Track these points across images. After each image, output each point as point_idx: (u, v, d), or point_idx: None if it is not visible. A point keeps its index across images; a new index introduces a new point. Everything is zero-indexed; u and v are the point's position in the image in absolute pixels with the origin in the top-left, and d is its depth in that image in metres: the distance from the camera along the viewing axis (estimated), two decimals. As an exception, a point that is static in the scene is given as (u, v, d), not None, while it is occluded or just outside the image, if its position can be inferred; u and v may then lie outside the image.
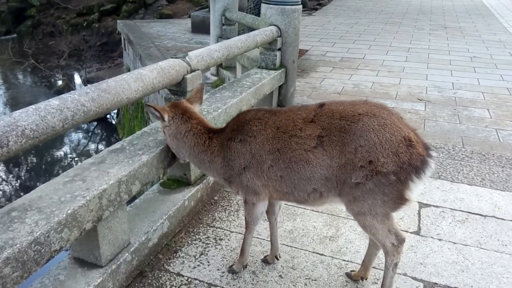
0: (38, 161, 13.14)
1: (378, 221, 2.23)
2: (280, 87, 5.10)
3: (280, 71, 4.86)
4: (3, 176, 11.67)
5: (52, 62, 18.23)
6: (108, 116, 14.84)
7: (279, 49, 4.89)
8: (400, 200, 2.16)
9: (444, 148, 4.64)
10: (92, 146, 14.94)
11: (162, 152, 2.73)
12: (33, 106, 1.91)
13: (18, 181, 11.61)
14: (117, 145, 2.72)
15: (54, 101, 2.00)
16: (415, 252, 2.96)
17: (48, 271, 2.32)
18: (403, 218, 3.32)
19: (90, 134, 15.58)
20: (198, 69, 3.10)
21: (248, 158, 2.37)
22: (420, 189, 2.16)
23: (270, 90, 4.65)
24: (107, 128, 15.47)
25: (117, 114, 14.06)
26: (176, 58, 2.98)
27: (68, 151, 14.61)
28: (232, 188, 2.56)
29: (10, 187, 11.22)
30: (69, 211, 1.99)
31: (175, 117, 2.53)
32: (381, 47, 9.62)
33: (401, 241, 2.29)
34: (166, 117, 2.51)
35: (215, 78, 7.24)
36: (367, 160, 2.11)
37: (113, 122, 15.10)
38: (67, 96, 2.08)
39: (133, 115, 11.22)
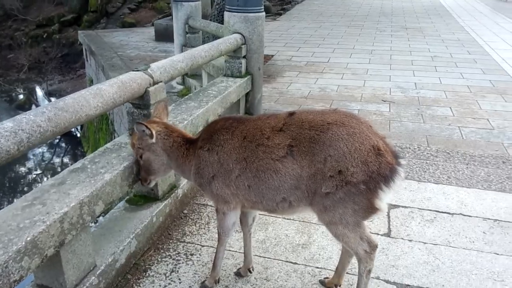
0: (0, 178, 12.63)
1: (350, 229, 2.22)
2: (247, 94, 5.07)
3: (246, 78, 4.83)
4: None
5: (12, 75, 17.64)
6: (72, 129, 14.46)
7: (244, 57, 4.87)
8: (370, 209, 2.16)
9: (409, 148, 4.73)
10: (56, 160, 14.50)
11: (126, 169, 2.65)
12: (-17, 130, 1.80)
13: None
14: (77, 164, 2.62)
15: (8, 124, 1.90)
16: (387, 255, 2.98)
17: (9, 302, 2.19)
18: (373, 220, 3.35)
19: (54, 148, 15.13)
20: (161, 81, 3.03)
21: (216, 167, 2.35)
22: (389, 198, 2.17)
23: (237, 98, 4.62)
24: (72, 141, 15.06)
25: (81, 126, 13.70)
26: (138, 70, 2.90)
27: (32, 166, 14.14)
28: (206, 196, 2.57)
29: None
30: (28, 238, 1.89)
31: (160, 132, 2.51)
32: (344, 50, 9.78)
33: (373, 247, 2.29)
34: (154, 134, 2.48)
35: (181, 87, 7.15)
36: (336, 169, 2.10)
37: (78, 135, 14.71)
38: (21, 118, 1.97)
39: (97, 127, 10.95)
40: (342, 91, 6.90)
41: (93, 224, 3.03)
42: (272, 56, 9.34)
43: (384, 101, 6.36)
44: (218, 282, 2.71)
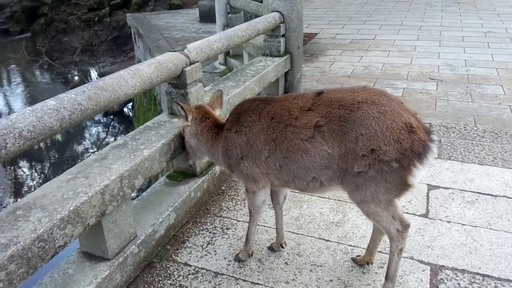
0: (59, 155, 13.39)
1: (382, 208, 2.22)
2: (286, 73, 5.06)
3: (284, 57, 4.82)
4: (25, 170, 11.95)
5: (66, 58, 18.49)
6: (125, 109, 15.02)
7: (283, 35, 4.84)
8: (403, 186, 2.14)
9: (455, 127, 4.56)
10: (111, 140, 15.17)
11: (164, 146, 2.77)
12: (30, 108, 1.95)
13: (40, 175, 11.88)
14: (119, 141, 2.77)
15: (51, 102, 2.04)
16: (423, 235, 2.94)
17: (57, 265, 2.40)
18: (411, 201, 3.30)
19: (108, 127, 15.79)
20: (197, 61, 3.10)
21: (245, 148, 2.40)
22: (422, 174, 2.14)
23: (275, 77, 4.63)
24: (124, 120, 15.66)
25: (132, 106, 14.23)
26: (174, 51, 2.99)
27: (88, 144, 14.84)
28: (235, 177, 2.64)
29: (31, 180, 11.48)
30: (71, 208, 2.05)
31: (197, 118, 2.65)
32: (392, 27, 9.43)
33: (405, 226, 2.27)
34: (189, 117, 2.65)
35: (224, 67, 7.23)
36: (368, 148, 2.09)
37: (130, 115, 15.29)
38: (63, 96, 2.11)
39: (146, 107, 11.32)
40: (387, 69, 6.71)
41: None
42: (316, 34, 9.18)
43: (432, 79, 6.12)
44: (252, 255, 2.80)
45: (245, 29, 3.95)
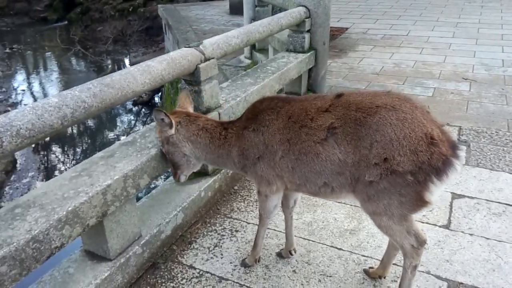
0: (91, 140, 13.66)
1: (395, 222, 2.07)
2: (310, 70, 4.91)
3: (309, 54, 4.66)
4: (55, 154, 12.24)
5: (100, 47, 18.83)
6: (156, 98, 15.15)
7: (308, 31, 4.68)
8: (419, 202, 1.99)
9: (486, 132, 4.29)
10: (139, 128, 15.37)
11: (172, 145, 2.69)
12: (30, 105, 1.91)
13: (70, 159, 12.14)
14: (129, 138, 2.72)
15: (53, 99, 2.00)
16: (442, 248, 2.76)
17: (59, 263, 2.38)
18: (432, 210, 3.11)
19: (136, 116, 15.99)
20: (213, 58, 3.01)
21: (261, 148, 2.29)
22: (441, 191, 1.99)
23: (297, 74, 4.48)
24: (152, 110, 15.81)
25: (161, 97, 14.35)
26: (189, 47, 2.90)
27: (119, 132, 15.05)
28: (248, 178, 2.51)
29: (61, 164, 11.74)
30: (69, 208, 2.00)
31: (182, 121, 2.41)
32: (427, 23, 9.06)
33: (421, 243, 2.12)
34: (173, 124, 2.37)
35: (249, 61, 7.13)
36: (382, 157, 1.95)
37: (158, 105, 15.43)
38: (67, 93, 2.07)
39: (173, 98, 11.38)
40: (419, 67, 6.43)
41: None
42: (347, 29, 8.93)
43: (465, 79, 5.82)
44: (259, 261, 2.71)
45: (266, 25, 3.82)
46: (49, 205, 2.01)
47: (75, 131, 13.58)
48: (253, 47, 6.93)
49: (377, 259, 2.67)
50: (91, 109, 2.14)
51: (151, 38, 19.92)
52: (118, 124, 15.34)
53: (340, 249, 2.80)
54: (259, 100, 2.45)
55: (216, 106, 3.12)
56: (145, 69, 2.51)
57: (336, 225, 3.03)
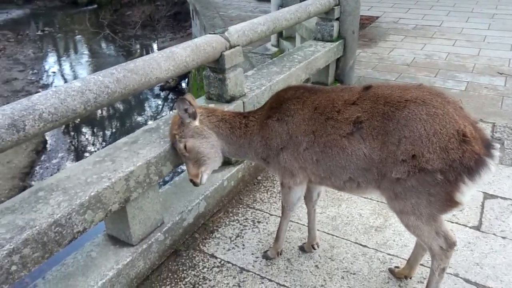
0: (120, 123, 13.83)
1: (423, 222, 1.98)
2: (338, 60, 4.78)
3: (337, 43, 4.53)
4: (85, 136, 12.44)
5: (129, 32, 18.99)
6: (183, 84, 15.20)
7: (337, 19, 4.54)
8: (449, 202, 1.89)
9: (523, 130, 4.09)
10: (166, 114, 15.46)
11: (196, 132, 2.65)
12: (53, 89, 1.90)
13: (99, 141, 12.33)
14: (153, 124, 2.69)
15: (76, 83, 1.98)
16: (472, 251, 2.65)
17: (82, 247, 2.39)
18: (463, 210, 2.98)
19: (164, 101, 16.09)
20: (238, 45, 2.94)
21: (285, 138, 2.23)
22: (473, 192, 1.88)
23: (325, 63, 4.37)
24: (180, 95, 15.87)
25: (187, 83, 14.39)
26: (215, 33, 2.84)
27: (147, 115, 15.19)
28: (270, 169, 2.44)
29: (91, 146, 11.93)
30: (92, 193, 1.99)
31: (203, 111, 2.36)
32: (461, 13, 8.70)
33: (451, 244, 2.03)
34: (197, 114, 2.29)
35: (276, 49, 7.02)
36: (410, 153, 1.86)
37: (185, 91, 15.48)
38: (90, 78, 2.04)
39: (199, 85, 11.37)
40: (451, 59, 6.19)
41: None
42: (377, 18, 8.68)
43: (501, 73, 5.56)
44: (281, 254, 2.66)
45: (294, 12, 3.71)
46: (72, 189, 2.00)
47: (104, 114, 13.76)
48: (280, 34, 6.81)
49: (403, 258, 2.58)
50: (114, 95, 2.11)
51: (179, 24, 19.94)
52: (146, 108, 15.46)
53: (364, 246, 2.72)
54: (284, 89, 2.38)
55: (240, 95, 3.05)
56: (169, 56, 2.47)
57: (361, 221, 2.94)
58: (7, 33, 18.40)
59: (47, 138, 11.15)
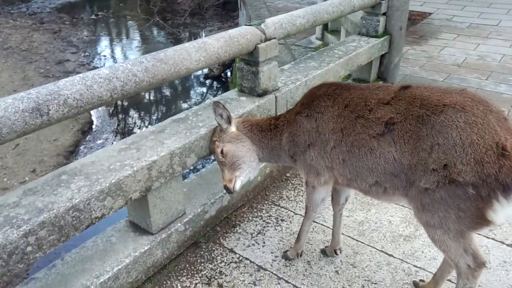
0: (163, 109, 14.06)
1: (451, 237, 1.85)
2: (382, 56, 4.58)
3: (382, 39, 4.34)
4: (128, 119, 12.75)
5: (178, 20, 19.26)
6: (228, 73, 15.25)
7: (384, 14, 4.34)
8: (480, 220, 1.76)
9: None
10: (208, 101, 15.54)
11: (223, 125, 2.62)
12: (80, 75, 1.91)
13: (141, 126, 12.62)
14: (181, 114, 2.69)
15: (104, 70, 1.98)
16: (507, 271, 2.47)
17: (103, 231, 2.43)
18: (501, 226, 2.79)
19: (208, 89, 16.21)
20: (274, 38, 2.86)
21: (313, 136, 2.17)
22: (508, 212, 1.72)
23: (367, 60, 4.20)
24: (223, 85, 15.99)
25: (231, 72, 14.43)
26: (250, 25, 2.78)
27: (192, 102, 15.40)
28: (298, 168, 2.38)
29: (135, 127, 12.21)
30: (113, 180, 2.01)
31: (238, 120, 2.46)
32: (523, 12, 8.14)
33: (480, 264, 1.88)
34: (232, 119, 2.39)
35: (319, 42, 6.85)
36: (441, 163, 1.74)
37: (228, 80, 15.53)
38: (118, 66, 2.04)
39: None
40: (506, 62, 5.80)
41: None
42: (430, 14, 8.28)
43: (561, 80, 5.14)
44: (301, 255, 2.59)
45: (337, 5, 3.57)
46: (94, 175, 2.02)
47: (152, 97, 14.05)
48: (325, 27, 6.63)
49: (430, 272, 2.45)
50: (142, 84, 2.11)
51: (227, 13, 20.00)
52: (191, 95, 15.65)
53: (390, 255, 2.60)
54: (317, 86, 2.33)
55: (273, 89, 2.98)
56: (201, 46, 2.44)
57: (389, 229, 2.82)
58: (63, 16, 19.17)
59: (93, 118, 11.54)
